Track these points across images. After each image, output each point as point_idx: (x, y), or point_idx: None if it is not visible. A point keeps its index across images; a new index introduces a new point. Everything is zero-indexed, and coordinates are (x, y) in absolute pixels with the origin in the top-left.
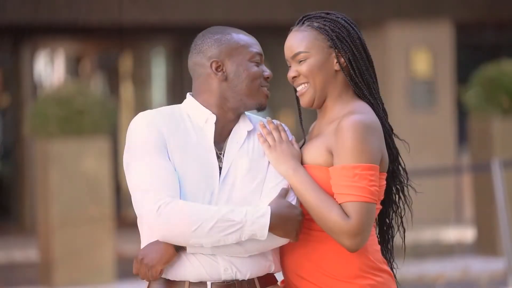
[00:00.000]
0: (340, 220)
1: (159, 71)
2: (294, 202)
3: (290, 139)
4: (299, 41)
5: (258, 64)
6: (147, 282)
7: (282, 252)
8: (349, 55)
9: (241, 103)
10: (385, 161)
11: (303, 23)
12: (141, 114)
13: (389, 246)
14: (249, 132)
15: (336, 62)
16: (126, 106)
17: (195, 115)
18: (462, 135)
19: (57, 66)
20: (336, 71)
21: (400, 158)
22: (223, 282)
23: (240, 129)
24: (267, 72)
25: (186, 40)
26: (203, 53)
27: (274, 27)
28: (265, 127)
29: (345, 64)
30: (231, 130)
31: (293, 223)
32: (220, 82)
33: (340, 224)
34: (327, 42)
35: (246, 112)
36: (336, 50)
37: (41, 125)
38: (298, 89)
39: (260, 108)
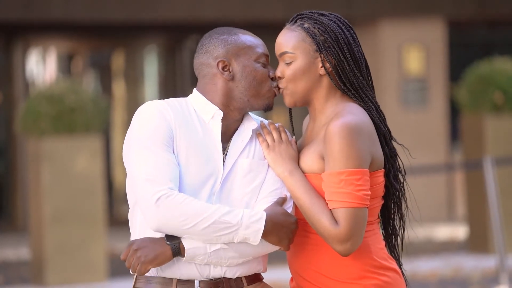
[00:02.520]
0: (329, 226)
1: (151, 69)
2: (290, 211)
3: (290, 140)
4: (286, 40)
5: (264, 65)
6: (134, 278)
7: (287, 253)
8: (334, 61)
9: (247, 104)
10: (378, 159)
11: (295, 21)
12: (150, 103)
13: (394, 243)
14: (253, 132)
15: (321, 67)
16: (118, 104)
17: (202, 110)
18: (455, 133)
19: (49, 64)
20: (321, 75)
21: (397, 158)
22: (211, 280)
23: (245, 128)
24: (273, 72)
25: (179, 38)
26: (210, 53)
27: (267, 25)
28: (265, 127)
29: (330, 69)
30: (235, 130)
31: (286, 231)
32: (227, 81)
33: (329, 230)
34: (314, 46)
35: (249, 112)
36: (322, 55)
37: (33, 123)
38: (279, 88)
39: (267, 109)
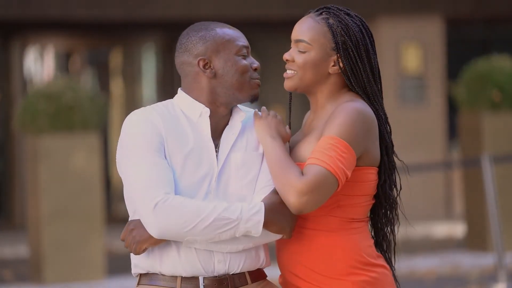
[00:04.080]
0: (293, 177)
1: (149, 66)
2: None
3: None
4: (307, 29)
5: (245, 57)
6: (138, 277)
7: (276, 249)
8: (347, 65)
9: (233, 98)
10: (371, 156)
11: (320, 13)
12: (137, 111)
13: (384, 240)
14: (243, 125)
15: (333, 66)
16: (116, 102)
17: (189, 110)
18: (452, 131)
19: (47, 62)
20: (329, 73)
21: (395, 171)
22: (215, 277)
23: (235, 122)
24: (255, 63)
25: (176, 36)
26: (189, 52)
27: (265, 22)
28: (265, 109)
29: (343, 68)
30: (225, 125)
31: (287, 219)
32: (209, 79)
33: (292, 181)
34: (332, 44)
35: (238, 105)
36: (338, 55)
37: (31, 121)
38: (287, 71)
39: (253, 100)
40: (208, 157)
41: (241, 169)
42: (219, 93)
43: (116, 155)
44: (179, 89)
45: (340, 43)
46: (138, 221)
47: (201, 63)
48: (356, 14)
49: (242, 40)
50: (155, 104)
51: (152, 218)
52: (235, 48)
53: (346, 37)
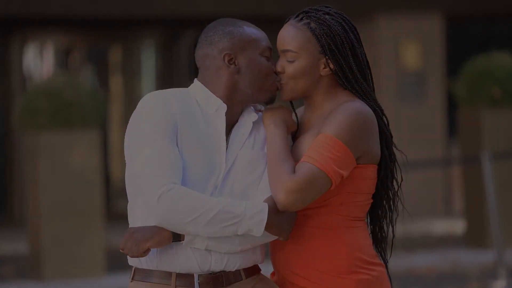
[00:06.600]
0: (285, 174)
1: (148, 63)
2: None
3: (292, 117)
4: (291, 38)
5: (268, 58)
6: (132, 270)
7: (272, 247)
8: (337, 65)
9: (251, 97)
10: (374, 154)
11: (301, 19)
12: (154, 93)
13: (381, 240)
14: (254, 124)
15: (324, 68)
16: (115, 99)
17: (205, 102)
18: (452, 127)
19: (46, 59)
20: (321, 75)
21: (396, 164)
22: (210, 273)
23: (246, 121)
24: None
25: (176, 32)
26: (215, 45)
27: (263, 19)
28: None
29: (334, 69)
30: (234, 123)
31: (287, 222)
32: (232, 75)
33: (283, 177)
34: (319, 48)
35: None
36: (326, 57)
37: (30, 117)
38: (280, 82)
39: (269, 101)
40: (218, 153)
41: (247, 167)
42: (238, 90)
43: (126, 132)
44: (195, 79)
45: (326, 46)
46: (139, 226)
47: (226, 58)
48: (335, 11)
49: (266, 41)
50: (173, 89)
51: (156, 206)
52: (260, 48)
53: (330, 41)
